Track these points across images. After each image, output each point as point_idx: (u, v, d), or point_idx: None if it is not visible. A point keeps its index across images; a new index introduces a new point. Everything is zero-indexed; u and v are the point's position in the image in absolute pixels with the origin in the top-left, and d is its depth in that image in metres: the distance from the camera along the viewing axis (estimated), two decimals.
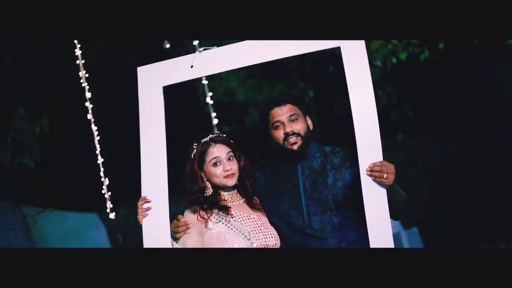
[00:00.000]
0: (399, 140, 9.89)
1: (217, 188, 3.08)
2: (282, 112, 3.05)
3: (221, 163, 3.04)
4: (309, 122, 3.12)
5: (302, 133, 3.03)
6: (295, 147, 3.04)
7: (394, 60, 8.14)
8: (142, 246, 2.96)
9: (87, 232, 7.59)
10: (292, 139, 3.03)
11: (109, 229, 7.96)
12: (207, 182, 3.05)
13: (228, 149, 3.08)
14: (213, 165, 3.03)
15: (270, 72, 8.49)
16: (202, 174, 3.05)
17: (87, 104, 5.16)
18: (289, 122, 3.04)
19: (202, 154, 3.04)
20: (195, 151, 3.05)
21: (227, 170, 3.04)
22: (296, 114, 3.04)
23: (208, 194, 3.03)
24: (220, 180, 3.04)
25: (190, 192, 3.02)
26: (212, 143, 3.06)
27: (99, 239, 7.73)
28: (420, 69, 8.89)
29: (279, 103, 3.08)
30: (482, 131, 9.77)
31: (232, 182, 3.06)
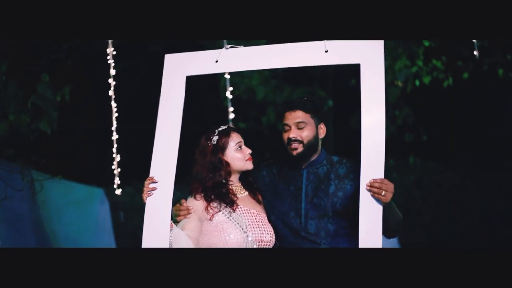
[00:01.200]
0: (410, 163, 9.93)
1: (233, 174, 3.20)
2: (292, 117, 3.15)
3: (242, 147, 3.17)
4: (322, 130, 3.20)
5: (305, 141, 3.12)
6: (294, 152, 3.15)
7: (417, 82, 8.19)
8: (143, 226, 3.05)
9: (91, 205, 7.66)
10: (294, 145, 3.13)
11: (112, 206, 8.04)
12: (229, 168, 3.17)
13: (241, 138, 3.21)
14: (237, 148, 3.16)
15: (293, 75, 8.55)
16: (226, 160, 3.16)
17: (110, 80, 5.26)
18: (296, 128, 3.13)
19: (226, 140, 3.16)
20: (217, 138, 3.17)
21: (248, 153, 3.17)
22: (304, 121, 3.13)
23: (224, 181, 3.14)
24: (243, 163, 3.17)
25: (207, 179, 3.13)
26: (231, 131, 3.20)
27: (102, 214, 7.80)
28: (441, 95, 8.92)
29: (291, 107, 3.19)
30: (496, 167, 9.74)
31: (252, 165, 3.18)
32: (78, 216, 7.34)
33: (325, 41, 3.00)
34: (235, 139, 3.17)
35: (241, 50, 3.14)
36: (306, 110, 3.16)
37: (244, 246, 3.04)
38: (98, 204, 7.78)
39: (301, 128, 3.15)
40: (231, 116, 6.05)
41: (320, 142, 3.23)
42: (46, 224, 6.88)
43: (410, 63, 8.02)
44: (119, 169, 5.28)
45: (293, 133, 3.14)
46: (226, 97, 6.18)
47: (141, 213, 3.07)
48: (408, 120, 8.35)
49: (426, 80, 8.22)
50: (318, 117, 3.18)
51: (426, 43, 8.05)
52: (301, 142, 3.14)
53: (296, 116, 3.15)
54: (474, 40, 5.09)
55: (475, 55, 5.31)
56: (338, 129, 8.60)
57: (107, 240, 7.75)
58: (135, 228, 3.25)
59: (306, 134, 3.15)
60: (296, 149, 3.15)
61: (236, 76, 7.72)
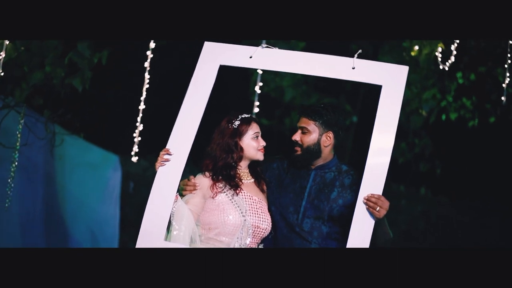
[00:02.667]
0: (421, 193, 9.96)
1: (244, 160, 3.37)
2: (300, 121, 3.38)
3: (258, 138, 3.34)
4: (327, 138, 3.36)
5: (304, 145, 3.32)
6: (295, 154, 3.38)
7: (443, 116, 8.24)
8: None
9: (104, 170, 7.79)
10: (295, 147, 3.33)
11: (124, 175, 8.17)
12: (241, 153, 3.35)
13: (259, 129, 3.39)
14: (254, 137, 3.33)
15: (324, 85, 8.63)
16: (241, 145, 3.33)
17: (148, 53, 5.39)
18: (300, 132, 3.34)
19: (246, 127, 3.33)
20: (238, 123, 3.37)
21: (262, 145, 3.34)
22: (307, 128, 3.33)
23: (234, 164, 3.32)
24: (255, 152, 3.36)
25: (219, 158, 3.30)
26: (253, 120, 3.40)
27: (113, 181, 7.93)
28: (463, 133, 8.94)
29: (301, 112, 3.44)
30: (505, 215, 9.71)
31: (262, 157, 3.36)
32: (89, 178, 7.47)
33: (354, 58, 3.15)
34: (254, 129, 3.35)
35: (275, 51, 3.33)
36: (311, 118, 3.35)
37: (241, 229, 3.21)
38: (111, 170, 7.92)
39: (304, 133, 3.34)
40: (256, 110, 6.15)
41: (329, 150, 3.39)
42: (58, 179, 7.02)
43: (441, 97, 8.07)
44: (139, 138, 5.41)
45: (296, 136, 3.35)
46: (255, 91, 6.30)
47: (149, 187, 3.22)
48: (426, 150, 8.40)
49: (453, 116, 8.26)
50: (325, 126, 3.34)
51: (460, 80, 8.10)
52: (300, 146, 3.34)
53: (303, 121, 3.36)
54: (503, 85, 5.15)
55: (502, 100, 5.36)
56: (357, 145, 8.66)
57: (112, 208, 7.90)
58: (141, 201, 3.37)
59: (306, 139, 3.34)
60: (296, 151, 3.37)
61: (269, 74, 7.81)
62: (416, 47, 5.91)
